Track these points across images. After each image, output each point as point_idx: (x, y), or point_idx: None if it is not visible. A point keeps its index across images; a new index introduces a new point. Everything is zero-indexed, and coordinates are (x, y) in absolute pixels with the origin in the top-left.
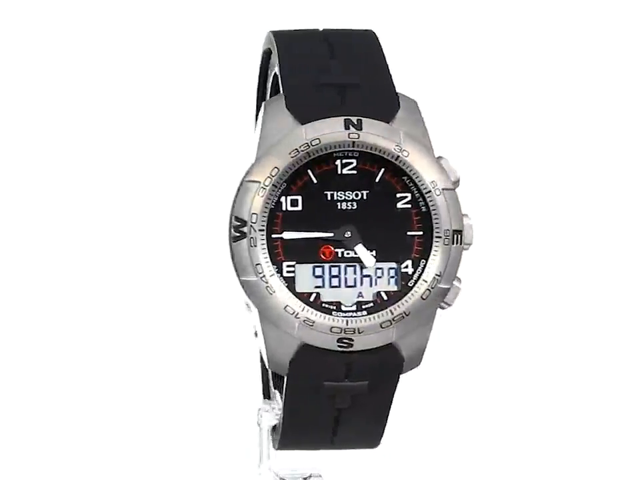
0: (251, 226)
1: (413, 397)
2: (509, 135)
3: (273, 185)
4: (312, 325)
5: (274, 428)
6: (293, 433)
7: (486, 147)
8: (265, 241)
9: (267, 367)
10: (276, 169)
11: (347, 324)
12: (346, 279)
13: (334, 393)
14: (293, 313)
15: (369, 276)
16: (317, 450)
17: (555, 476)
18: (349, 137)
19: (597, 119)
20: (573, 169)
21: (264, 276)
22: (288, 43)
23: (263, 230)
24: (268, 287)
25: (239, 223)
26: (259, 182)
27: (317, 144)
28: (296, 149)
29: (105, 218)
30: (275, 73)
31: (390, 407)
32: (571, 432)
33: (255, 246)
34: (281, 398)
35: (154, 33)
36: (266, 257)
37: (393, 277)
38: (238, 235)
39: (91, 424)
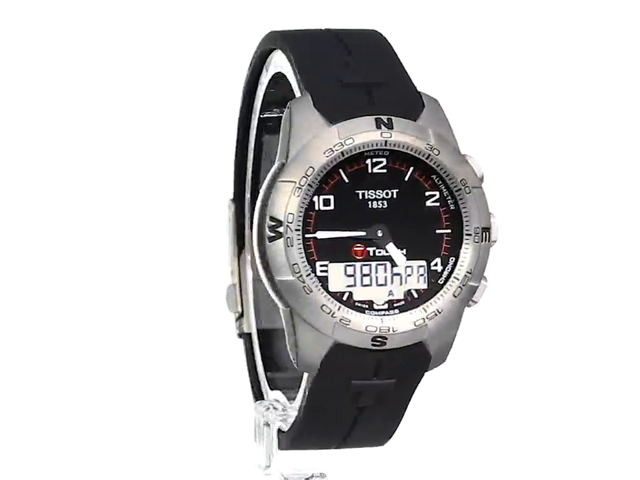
0: (288, 226)
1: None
2: (508, 134)
3: (308, 184)
4: (348, 324)
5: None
6: (309, 432)
7: (485, 145)
8: (300, 241)
9: (296, 367)
10: (311, 169)
11: (382, 322)
12: (377, 277)
13: (360, 391)
14: (330, 312)
15: (399, 274)
16: (325, 449)
17: (559, 476)
18: (382, 136)
19: (596, 119)
20: (577, 164)
21: (301, 276)
22: (299, 42)
23: (299, 230)
24: (305, 286)
25: (274, 223)
26: (295, 182)
27: (351, 143)
28: (330, 149)
29: (94, 217)
30: (278, 73)
31: (408, 404)
32: (582, 431)
33: (292, 246)
34: (288, 398)
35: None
36: (302, 257)
37: (422, 274)
38: (273, 235)
39: (88, 424)
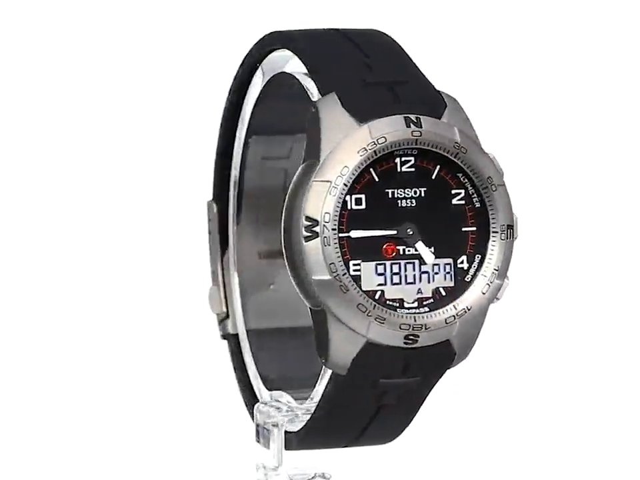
0: (324, 225)
1: None
2: (506, 134)
3: (343, 184)
4: (383, 322)
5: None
6: (323, 432)
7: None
8: (336, 240)
9: (325, 367)
10: (346, 168)
11: (415, 320)
12: (406, 275)
13: (386, 390)
14: (365, 310)
15: (427, 272)
16: (334, 448)
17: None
18: (412, 135)
19: (595, 119)
20: (577, 163)
21: (337, 275)
22: (311, 42)
23: (335, 229)
24: (341, 285)
25: (310, 223)
26: (330, 181)
27: (383, 142)
28: (364, 148)
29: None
30: (282, 72)
31: (424, 402)
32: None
33: (329, 245)
34: (295, 398)
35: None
36: (338, 256)
37: (448, 272)
38: (309, 234)
39: (86, 426)
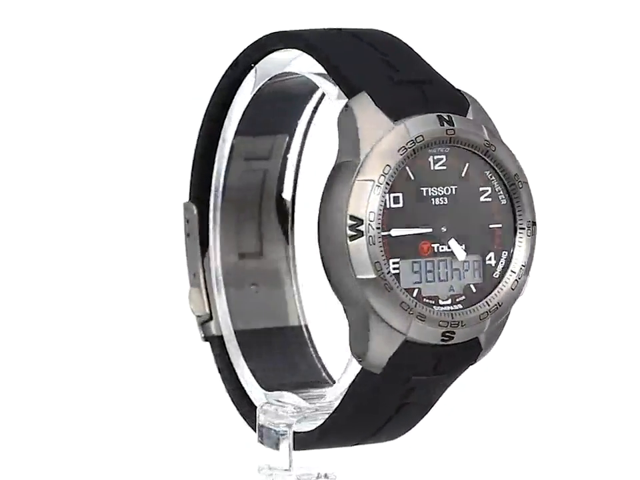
0: (369, 224)
1: None
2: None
3: (386, 182)
4: (423, 320)
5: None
6: (340, 431)
7: None
8: (380, 239)
9: (360, 365)
10: (388, 167)
11: (452, 317)
12: (439, 273)
13: (414, 387)
14: (407, 309)
15: (457, 269)
16: (345, 447)
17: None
18: (447, 134)
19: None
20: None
21: (382, 273)
22: (323, 41)
23: (379, 228)
24: (386, 284)
25: (354, 222)
26: (373, 180)
27: (421, 141)
28: (403, 147)
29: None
30: (287, 72)
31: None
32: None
33: (374, 244)
34: (304, 398)
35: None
36: (383, 255)
37: (477, 269)
38: (354, 234)
39: (85, 427)
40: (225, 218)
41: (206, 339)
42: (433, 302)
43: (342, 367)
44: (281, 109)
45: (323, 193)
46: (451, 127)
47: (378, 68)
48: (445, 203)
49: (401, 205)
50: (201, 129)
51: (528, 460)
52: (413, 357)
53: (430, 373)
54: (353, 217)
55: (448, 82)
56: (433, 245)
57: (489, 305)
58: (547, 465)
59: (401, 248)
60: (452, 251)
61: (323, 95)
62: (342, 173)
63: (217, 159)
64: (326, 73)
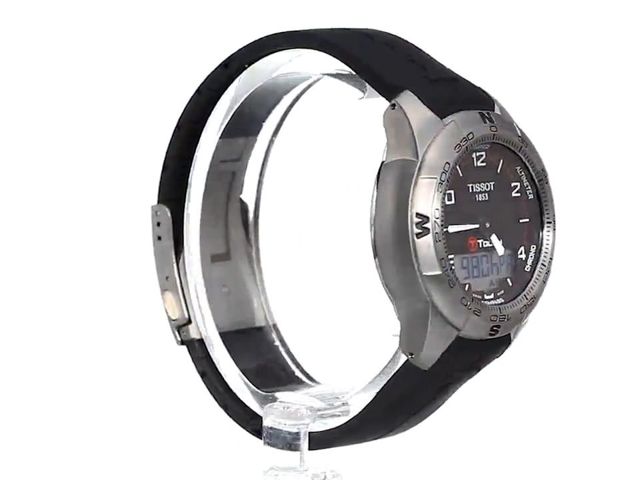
0: (435, 221)
1: None
2: None
3: (447, 180)
4: (479, 315)
5: None
6: (364, 430)
7: None
8: (444, 236)
9: (412, 363)
10: (447, 164)
11: (500, 311)
12: (482, 268)
13: (452, 382)
14: (466, 304)
15: (495, 264)
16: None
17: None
18: (490, 130)
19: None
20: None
21: (446, 270)
22: (347, 42)
23: (443, 225)
24: (450, 280)
25: (420, 220)
26: (436, 178)
27: (472, 138)
28: (458, 144)
29: None
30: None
31: None
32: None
33: (439, 241)
34: (311, 398)
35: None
36: (447, 251)
37: (510, 263)
38: (421, 231)
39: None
40: (203, 219)
41: (183, 342)
42: (480, 297)
43: (318, 364)
44: (254, 110)
45: (378, 191)
46: (493, 124)
47: (408, 67)
48: (486, 199)
49: (453, 201)
50: (179, 130)
51: (536, 459)
52: (461, 353)
53: (470, 368)
54: (419, 215)
55: (468, 80)
56: (478, 241)
57: (527, 299)
58: (548, 465)
59: (454, 244)
60: (492, 246)
61: (298, 97)
62: (399, 171)
63: (195, 159)
64: (333, 73)
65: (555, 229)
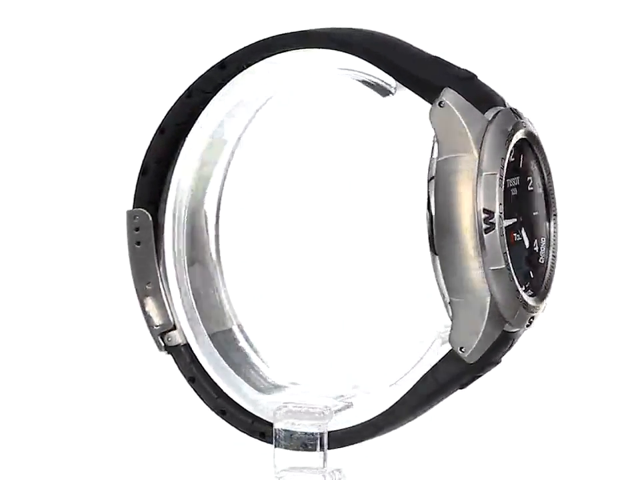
0: (499, 216)
1: None
2: None
3: (505, 176)
4: (526, 308)
5: None
6: (393, 422)
7: None
8: (505, 230)
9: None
10: (503, 160)
11: (535, 303)
12: (517, 261)
13: (481, 374)
14: (519, 297)
15: (523, 257)
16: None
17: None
18: (522, 126)
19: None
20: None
21: (508, 263)
22: (374, 42)
23: (502, 219)
24: (509, 273)
25: (487, 215)
26: (496, 173)
27: (514, 133)
28: (507, 140)
29: None
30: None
31: None
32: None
33: (503, 235)
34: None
35: None
36: (506, 245)
37: (528, 255)
38: (488, 226)
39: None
40: (187, 223)
41: (167, 349)
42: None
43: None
44: (243, 113)
45: (436, 188)
46: (522, 120)
47: (438, 65)
48: (516, 193)
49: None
50: (164, 133)
51: (539, 459)
52: (502, 345)
53: (499, 360)
54: (485, 210)
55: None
56: (514, 234)
57: (547, 289)
58: (548, 466)
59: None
60: (522, 240)
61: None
62: (456, 168)
63: (177, 165)
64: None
65: (557, 223)
